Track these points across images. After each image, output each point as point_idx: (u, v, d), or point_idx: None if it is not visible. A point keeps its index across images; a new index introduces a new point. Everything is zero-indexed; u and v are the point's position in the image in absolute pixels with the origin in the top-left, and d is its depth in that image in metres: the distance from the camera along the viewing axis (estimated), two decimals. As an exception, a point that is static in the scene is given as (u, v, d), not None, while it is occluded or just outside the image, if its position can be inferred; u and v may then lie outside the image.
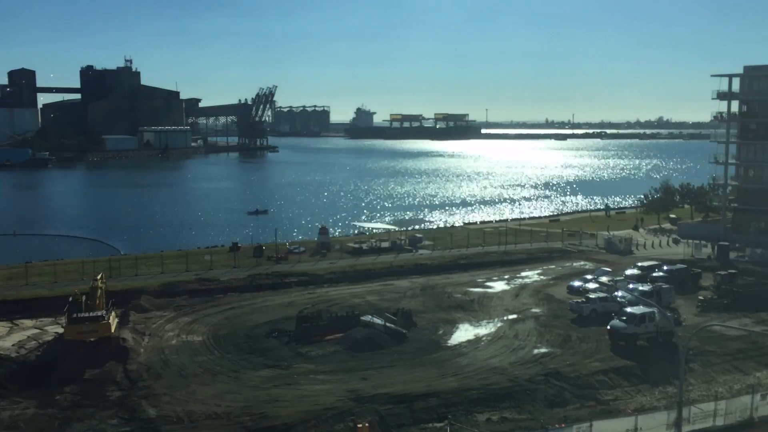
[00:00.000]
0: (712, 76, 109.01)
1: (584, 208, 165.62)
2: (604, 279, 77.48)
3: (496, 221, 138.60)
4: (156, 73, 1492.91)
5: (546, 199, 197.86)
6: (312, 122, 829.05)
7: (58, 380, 50.26)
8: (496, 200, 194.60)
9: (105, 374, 51.82)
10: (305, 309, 67.84)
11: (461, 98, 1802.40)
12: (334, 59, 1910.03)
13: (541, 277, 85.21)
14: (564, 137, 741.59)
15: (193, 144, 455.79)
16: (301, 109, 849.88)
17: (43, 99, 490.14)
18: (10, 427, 43.58)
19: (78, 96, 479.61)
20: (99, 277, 65.12)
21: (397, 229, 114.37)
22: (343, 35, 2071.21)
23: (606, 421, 42.51)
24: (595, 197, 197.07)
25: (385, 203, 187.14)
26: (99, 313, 57.73)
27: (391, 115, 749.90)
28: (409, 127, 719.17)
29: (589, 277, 79.94)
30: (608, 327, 60.38)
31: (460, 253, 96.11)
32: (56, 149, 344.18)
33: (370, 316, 63.78)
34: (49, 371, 51.90)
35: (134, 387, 49.79)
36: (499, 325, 64.91)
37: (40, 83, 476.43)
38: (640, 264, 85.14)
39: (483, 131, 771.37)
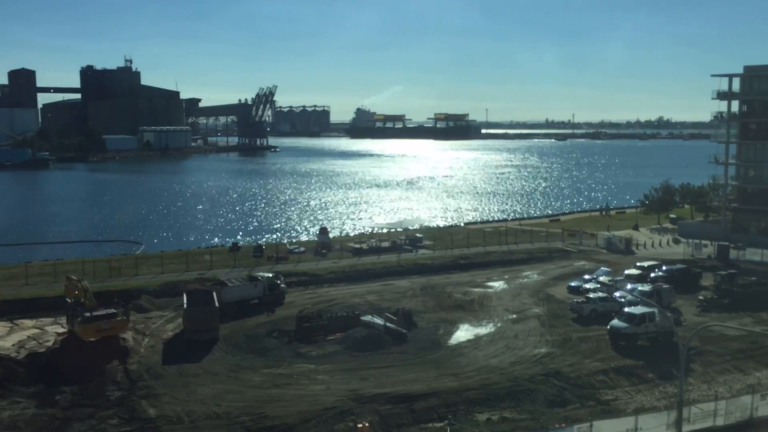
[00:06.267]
0: (712, 76, 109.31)
1: (584, 208, 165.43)
2: (604, 279, 77.48)
3: (496, 221, 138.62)
4: (156, 73, 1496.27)
5: (546, 199, 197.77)
6: (312, 122, 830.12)
7: (60, 380, 50.22)
8: (496, 200, 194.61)
9: (105, 374, 51.82)
10: (305, 309, 67.87)
11: (461, 98, 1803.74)
12: (335, 59, 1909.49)
13: (541, 277, 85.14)
14: (564, 137, 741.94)
15: (193, 144, 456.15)
16: (301, 109, 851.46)
17: (43, 99, 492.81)
18: (10, 427, 43.58)
19: (78, 96, 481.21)
20: (74, 277, 64.11)
21: (397, 229, 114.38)
22: (343, 35, 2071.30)
23: (606, 421, 42.51)
24: (594, 197, 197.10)
25: (384, 204, 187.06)
26: (112, 310, 57.59)
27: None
28: (413, 127, 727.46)
29: (588, 277, 79.97)
30: (608, 327, 60.47)
31: (461, 253, 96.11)
32: (56, 149, 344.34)
33: (370, 316, 63.85)
34: (55, 371, 51.84)
35: (134, 387, 49.83)
36: (499, 325, 64.91)
37: (40, 83, 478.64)
38: (640, 264, 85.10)
39: (483, 131, 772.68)
